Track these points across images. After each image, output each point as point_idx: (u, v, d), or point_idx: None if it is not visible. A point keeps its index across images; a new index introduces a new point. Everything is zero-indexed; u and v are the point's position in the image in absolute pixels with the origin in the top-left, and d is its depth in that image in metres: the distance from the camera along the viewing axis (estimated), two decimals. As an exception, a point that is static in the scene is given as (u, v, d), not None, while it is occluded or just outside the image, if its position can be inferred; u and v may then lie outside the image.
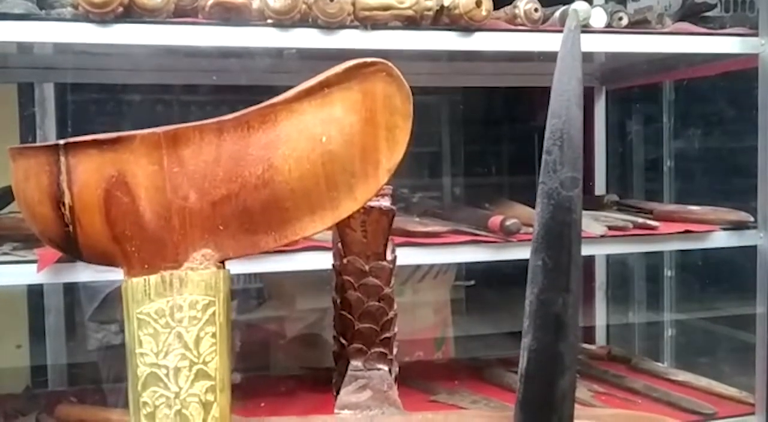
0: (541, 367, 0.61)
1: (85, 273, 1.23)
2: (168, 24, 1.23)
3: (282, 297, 2.04)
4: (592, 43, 1.44)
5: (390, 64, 0.61)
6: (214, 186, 0.58)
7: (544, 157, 0.63)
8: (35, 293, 1.97)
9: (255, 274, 2.18)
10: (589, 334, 2.01)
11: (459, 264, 2.17)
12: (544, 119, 0.64)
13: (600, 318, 2.04)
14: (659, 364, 1.74)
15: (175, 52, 1.56)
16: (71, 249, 0.58)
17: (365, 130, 0.60)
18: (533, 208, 0.63)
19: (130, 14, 1.20)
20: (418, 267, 2.05)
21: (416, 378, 1.64)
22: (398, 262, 1.49)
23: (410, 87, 0.61)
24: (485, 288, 2.60)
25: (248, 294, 2.20)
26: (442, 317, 2.20)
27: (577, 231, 0.62)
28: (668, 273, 2.19)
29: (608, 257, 2.02)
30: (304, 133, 0.59)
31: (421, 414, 0.63)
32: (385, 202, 0.72)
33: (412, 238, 1.38)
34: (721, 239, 1.48)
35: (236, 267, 1.45)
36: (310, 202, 0.60)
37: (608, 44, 1.45)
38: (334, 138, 0.59)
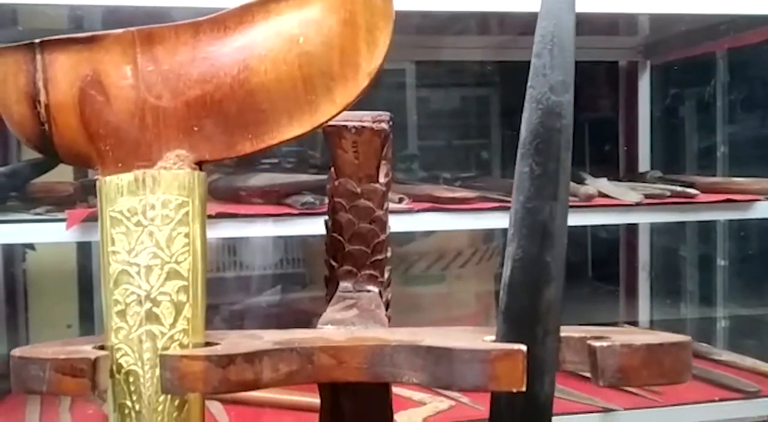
0: (526, 277, 0.58)
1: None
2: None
3: (322, 282, 2.04)
4: (629, 5, 1.39)
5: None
6: (188, 86, 0.58)
7: (533, 61, 0.60)
8: (85, 274, 2.03)
9: (298, 260, 2.20)
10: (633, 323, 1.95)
11: (502, 252, 2.13)
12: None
13: (643, 305, 1.97)
14: (703, 345, 1.67)
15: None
16: (47, 148, 0.59)
17: (344, 32, 0.58)
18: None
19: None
20: (459, 252, 2.03)
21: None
22: (425, 228, 1.47)
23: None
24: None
25: (291, 280, 2.22)
26: (484, 305, 2.16)
27: (567, 138, 0.59)
28: (721, 262, 2.11)
29: (652, 239, 1.95)
30: (281, 35, 0.58)
31: (406, 328, 0.61)
32: (380, 124, 0.70)
33: (439, 204, 1.36)
34: (764, 209, 1.41)
35: (271, 230, 1.41)
36: (287, 104, 0.58)
37: (645, 6, 1.41)
38: (311, 39, 0.58)
